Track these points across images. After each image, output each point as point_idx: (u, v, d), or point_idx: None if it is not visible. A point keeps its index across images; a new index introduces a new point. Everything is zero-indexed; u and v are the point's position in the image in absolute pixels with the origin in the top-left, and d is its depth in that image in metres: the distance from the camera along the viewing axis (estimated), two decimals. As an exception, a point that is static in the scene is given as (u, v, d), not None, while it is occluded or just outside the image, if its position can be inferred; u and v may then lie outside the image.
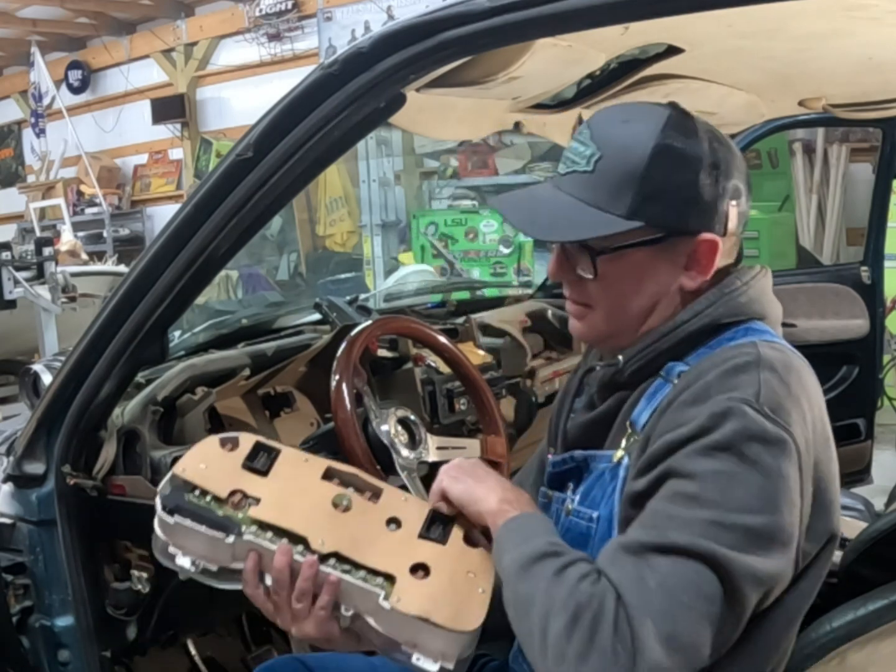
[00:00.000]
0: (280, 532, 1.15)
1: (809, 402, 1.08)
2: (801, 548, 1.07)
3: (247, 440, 1.23)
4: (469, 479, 1.20)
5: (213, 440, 1.23)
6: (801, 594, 1.12)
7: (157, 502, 1.16)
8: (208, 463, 1.19)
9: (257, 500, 1.16)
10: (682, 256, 1.14)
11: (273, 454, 1.23)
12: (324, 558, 1.14)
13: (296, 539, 1.14)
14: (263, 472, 1.20)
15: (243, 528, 1.14)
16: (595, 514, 1.16)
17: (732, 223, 1.14)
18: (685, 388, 1.08)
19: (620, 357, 1.18)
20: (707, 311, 1.15)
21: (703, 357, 1.12)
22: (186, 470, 1.17)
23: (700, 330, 1.15)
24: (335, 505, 1.19)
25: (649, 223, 1.11)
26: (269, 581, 1.14)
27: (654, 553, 0.98)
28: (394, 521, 1.20)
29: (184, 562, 1.15)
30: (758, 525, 0.99)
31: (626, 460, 1.14)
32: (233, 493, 1.16)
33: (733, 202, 1.14)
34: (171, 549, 1.15)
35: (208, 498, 1.16)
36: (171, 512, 1.14)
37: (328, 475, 1.23)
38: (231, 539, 1.13)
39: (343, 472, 1.24)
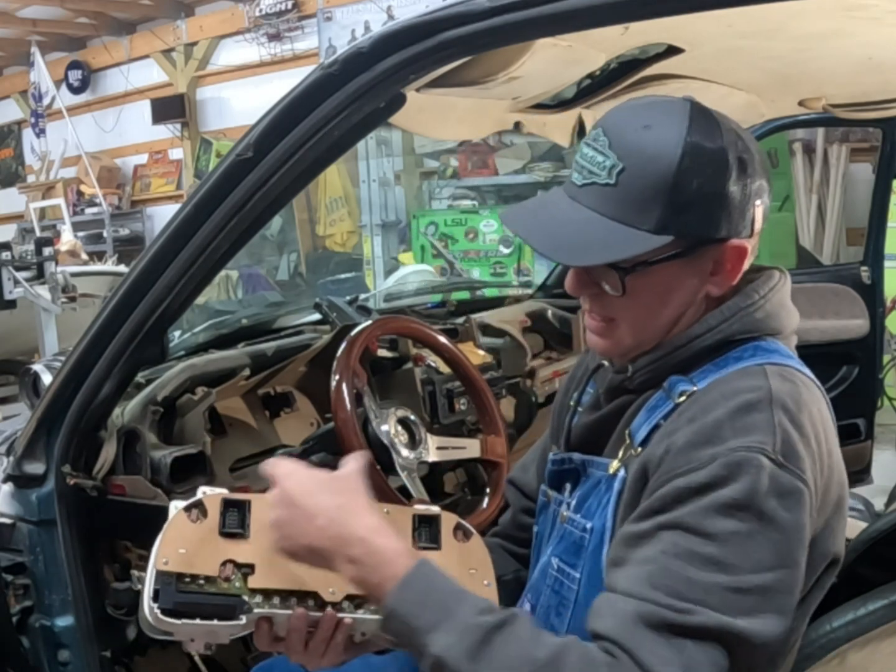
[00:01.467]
0: (287, 594, 1.10)
1: (817, 434, 1.05)
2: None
3: (212, 503, 1.13)
4: (296, 521, 1.04)
5: (180, 516, 1.12)
6: (801, 614, 1.11)
7: (153, 607, 1.07)
8: (186, 545, 1.10)
9: (251, 567, 1.10)
10: (709, 263, 1.10)
11: (243, 508, 1.13)
12: (337, 604, 1.10)
13: (305, 595, 1.10)
14: (243, 534, 1.12)
15: (248, 601, 1.09)
16: (588, 525, 1.15)
17: (758, 224, 1.11)
18: (692, 419, 1.04)
19: (630, 367, 1.16)
20: (721, 328, 1.11)
21: (709, 377, 1.09)
22: (169, 562, 1.09)
23: (710, 346, 1.12)
24: None
25: (679, 235, 1.06)
26: (281, 633, 1.10)
27: (679, 634, 0.95)
28: None
29: (196, 647, 1.11)
30: (775, 583, 0.98)
31: (621, 473, 1.12)
32: (223, 564, 1.10)
33: (758, 202, 1.10)
34: (178, 638, 1.11)
35: (201, 581, 1.09)
36: (173, 614, 1.07)
37: None
38: (243, 620, 1.08)
39: None
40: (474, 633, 0.96)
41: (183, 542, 1.10)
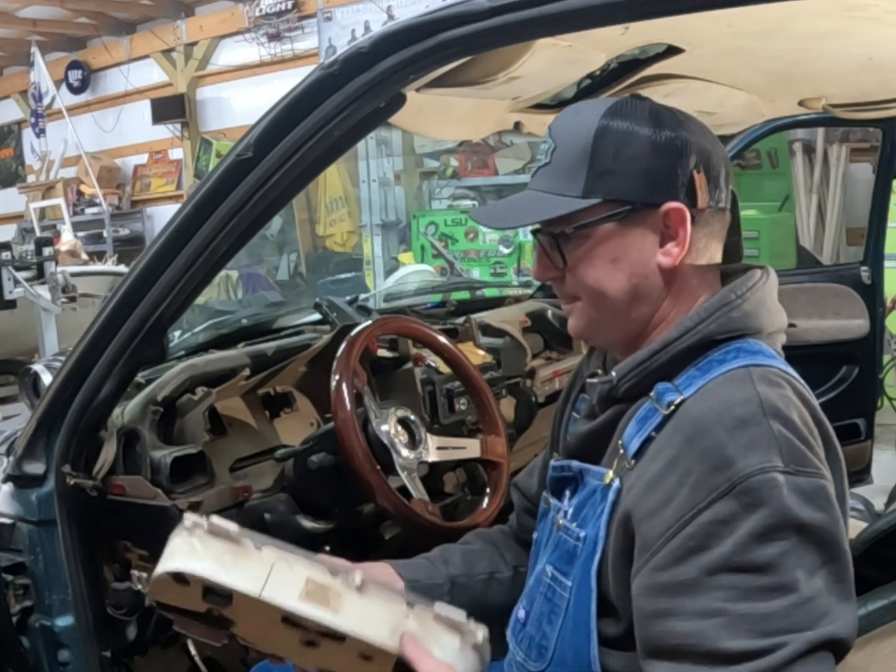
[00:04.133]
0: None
1: (811, 431, 1.05)
2: None
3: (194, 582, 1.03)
4: None
5: (165, 580, 1.03)
6: None
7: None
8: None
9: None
10: (653, 233, 1.12)
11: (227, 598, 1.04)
12: None
13: None
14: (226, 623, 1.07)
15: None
16: (582, 534, 1.14)
17: (701, 193, 1.11)
18: (689, 441, 1.03)
19: (614, 373, 1.16)
20: (698, 328, 1.11)
21: (694, 383, 1.08)
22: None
23: (689, 348, 1.11)
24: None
25: (606, 198, 1.10)
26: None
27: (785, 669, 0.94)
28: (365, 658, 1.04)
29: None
30: (833, 577, 0.98)
31: (616, 484, 1.11)
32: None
33: (697, 170, 1.11)
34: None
35: None
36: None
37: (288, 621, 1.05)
38: (226, 640, 1.07)
39: (301, 619, 1.03)
40: None
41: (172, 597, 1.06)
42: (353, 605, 1.02)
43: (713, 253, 1.15)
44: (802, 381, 1.11)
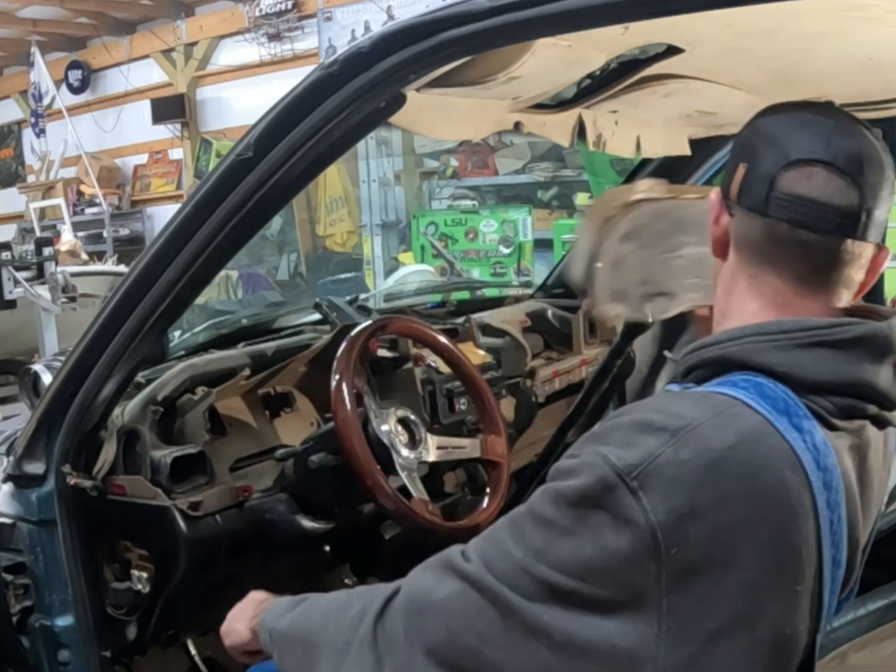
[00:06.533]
0: None
1: (728, 504, 0.91)
2: (654, 651, 0.91)
3: None
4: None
5: None
6: None
7: None
8: None
9: None
10: (713, 211, 1.11)
11: None
12: None
13: None
14: None
15: None
16: None
17: (735, 185, 1.07)
18: (612, 417, 1.01)
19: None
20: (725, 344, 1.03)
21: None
22: None
23: (710, 361, 1.03)
24: None
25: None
26: None
27: (447, 570, 1.01)
28: None
29: None
30: (562, 588, 0.93)
31: None
32: None
33: (745, 164, 1.06)
34: None
35: None
36: None
37: None
38: None
39: None
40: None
41: None
42: None
43: (762, 265, 1.05)
44: (801, 460, 0.95)
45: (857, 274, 1.04)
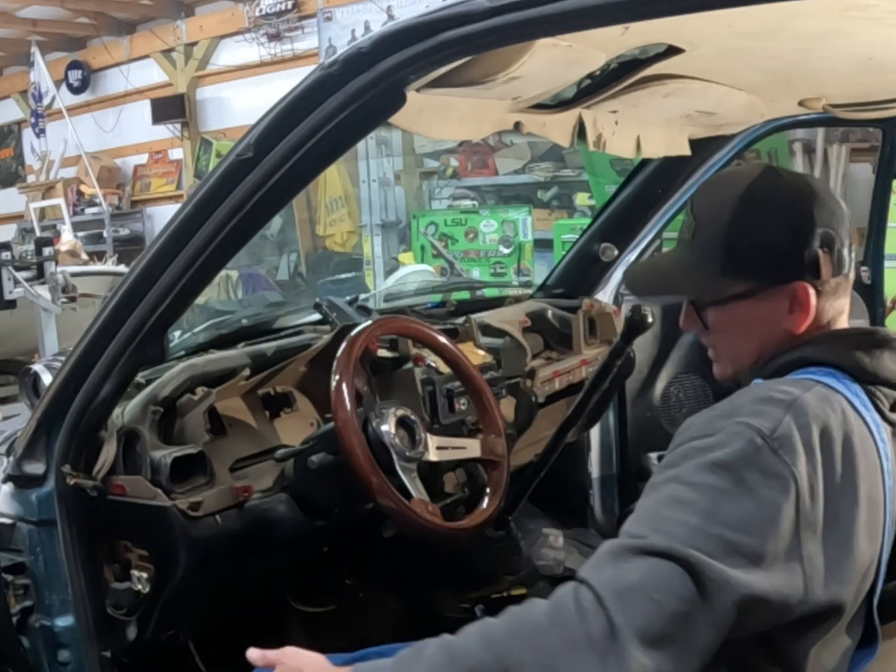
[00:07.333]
0: None
1: (829, 456, 1.11)
2: (808, 591, 1.09)
3: None
4: None
5: None
6: (804, 640, 1.14)
7: None
8: None
9: None
10: (782, 306, 1.25)
11: None
12: None
13: None
14: None
15: None
16: None
17: (826, 268, 1.23)
18: (728, 400, 1.18)
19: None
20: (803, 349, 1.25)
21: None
22: None
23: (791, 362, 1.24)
24: None
25: (740, 278, 1.25)
26: None
27: (632, 555, 1.06)
28: None
29: None
30: (739, 544, 1.05)
31: None
32: None
33: (823, 249, 1.23)
34: None
35: None
36: None
37: None
38: None
39: None
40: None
41: None
42: None
43: (837, 310, 1.28)
44: (879, 435, 1.19)
45: None
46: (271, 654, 1.25)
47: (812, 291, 1.23)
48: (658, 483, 1.13)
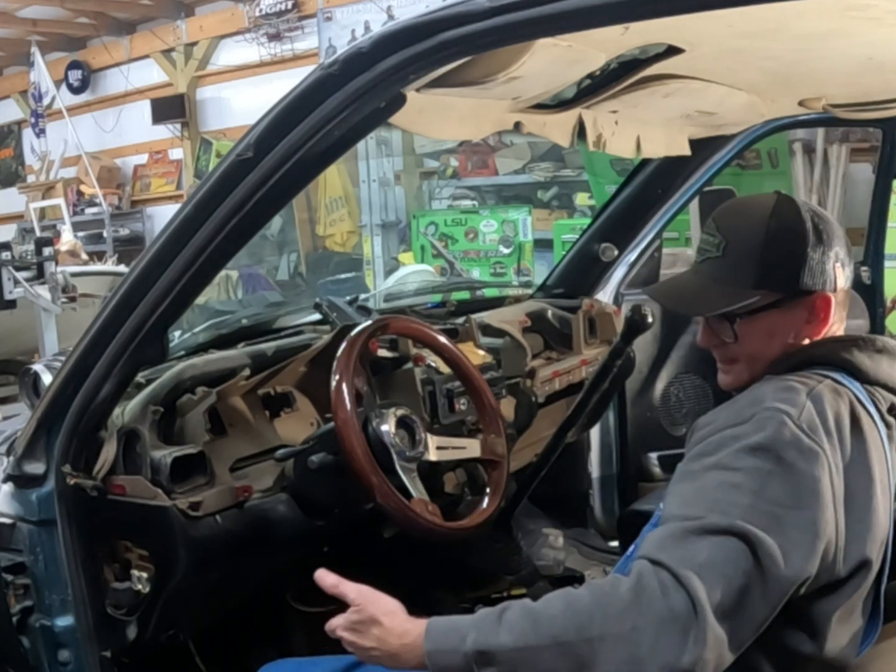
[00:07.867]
0: None
1: (843, 438, 1.25)
2: (835, 559, 1.22)
3: None
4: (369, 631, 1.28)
5: None
6: (826, 606, 1.25)
7: None
8: None
9: None
10: (804, 312, 1.38)
11: None
12: None
13: None
14: None
15: None
16: None
17: (840, 280, 1.39)
18: (749, 391, 1.33)
19: None
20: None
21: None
22: None
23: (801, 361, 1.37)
24: None
25: (771, 290, 1.37)
26: None
27: (696, 536, 1.15)
28: None
29: None
30: (789, 518, 1.17)
31: None
32: None
33: (837, 263, 1.38)
34: None
35: None
36: None
37: None
38: None
39: None
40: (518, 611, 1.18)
41: None
42: None
43: (841, 318, 1.42)
44: (880, 428, 1.32)
45: None
46: (347, 589, 1.29)
47: (833, 300, 1.38)
48: (696, 471, 1.23)
